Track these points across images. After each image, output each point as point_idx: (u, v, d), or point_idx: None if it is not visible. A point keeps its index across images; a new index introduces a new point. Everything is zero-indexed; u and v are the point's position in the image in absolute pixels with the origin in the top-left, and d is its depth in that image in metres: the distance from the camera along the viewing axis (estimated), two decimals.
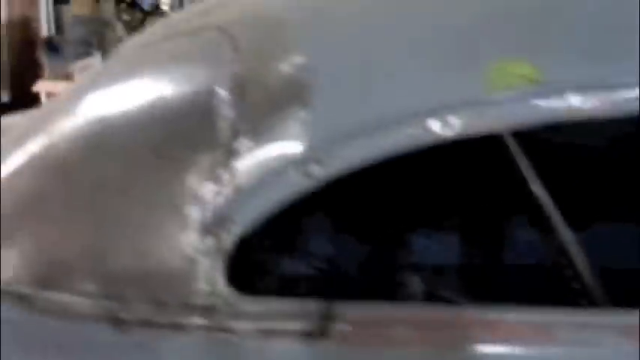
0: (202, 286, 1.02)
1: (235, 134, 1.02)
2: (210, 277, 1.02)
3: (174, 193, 1.04)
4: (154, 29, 1.48)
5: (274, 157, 1.00)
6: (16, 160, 1.21)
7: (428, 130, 0.96)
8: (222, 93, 1.05)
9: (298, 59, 1.03)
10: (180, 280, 1.03)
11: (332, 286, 1.10)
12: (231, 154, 1.02)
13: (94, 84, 1.20)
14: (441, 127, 0.96)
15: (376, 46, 1.04)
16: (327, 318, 0.98)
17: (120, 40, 7.45)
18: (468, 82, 0.96)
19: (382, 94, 1.00)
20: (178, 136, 1.06)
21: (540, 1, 1.03)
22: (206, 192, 1.02)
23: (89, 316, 1.07)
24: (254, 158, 1.01)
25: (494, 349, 0.95)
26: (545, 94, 0.93)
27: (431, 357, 0.95)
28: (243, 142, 1.02)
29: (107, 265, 1.07)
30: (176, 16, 1.55)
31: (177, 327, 1.03)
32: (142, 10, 11.08)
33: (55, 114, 1.21)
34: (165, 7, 11.59)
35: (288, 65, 1.03)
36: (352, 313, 0.98)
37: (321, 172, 0.98)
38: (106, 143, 1.11)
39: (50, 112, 1.27)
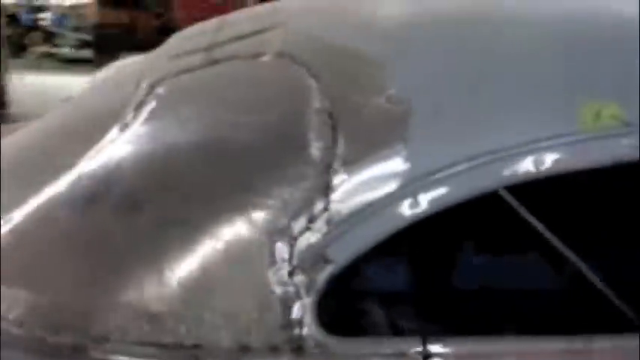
0: (291, 327, 0.97)
1: (329, 168, 0.98)
2: (300, 318, 0.97)
3: (261, 229, 0.98)
4: (170, 50, 1.39)
5: (371, 193, 0.97)
6: (51, 188, 1.08)
7: (522, 168, 0.98)
8: (313, 124, 1.01)
9: (393, 92, 1.02)
10: (267, 322, 0.97)
11: (424, 322, 1.09)
12: (324, 188, 0.98)
13: (149, 109, 1.10)
14: (535, 166, 0.98)
15: (469, 81, 1.06)
16: (426, 356, 0.97)
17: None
18: (563, 122, 0.99)
19: (477, 130, 1.01)
20: (264, 169, 1.00)
21: (623, 43, 1.09)
22: (297, 228, 0.98)
23: None
24: (349, 193, 0.98)
25: None
26: (632, 134, 0.99)
27: None
28: (337, 177, 0.98)
29: (178, 309, 0.98)
30: (191, 37, 1.45)
31: None
32: (21, 25, 10.49)
33: (94, 140, 1.10)
34: (44, 24, 11.03)
35: (383, 98, 1.02)
36: (449, 349, 0.97)
37: (417, 209, 0.97)
38: (177, 175, 1.03)
39: (77, 136, 1.15)
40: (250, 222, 0.99)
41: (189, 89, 1.16)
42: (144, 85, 1.18)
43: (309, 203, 0.98)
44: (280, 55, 1.14)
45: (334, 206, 0.98)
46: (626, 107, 1.00)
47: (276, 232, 0.98)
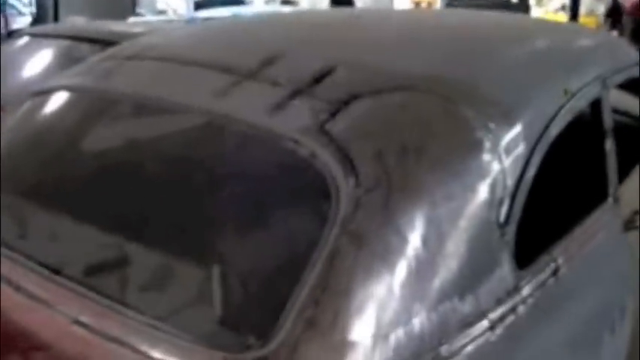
0: (508, 276, 1.35)
1: (499, 155, 1.42)
2: (511, 267, 1.36)
3: (481, 205, 1.35)
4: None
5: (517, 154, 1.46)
6: None
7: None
8: (480, 127, 1.44)
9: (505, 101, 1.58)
10: (498, 276, 1.33)
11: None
12: (502, 169, 1.41)
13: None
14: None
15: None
16: (551, 260, 1.51)
17: None
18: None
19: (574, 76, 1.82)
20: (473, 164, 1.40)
21: None
22: (497, 198, 1.38)
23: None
24: (506, 173, 1.42)
25: None
26: None
27: None
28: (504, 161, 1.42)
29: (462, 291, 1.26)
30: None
31: (504, 317, 1.32)
32: None
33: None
34: None
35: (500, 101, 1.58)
36: (560, 249, 1.55)
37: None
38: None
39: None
40: (475, 205, 1.35)
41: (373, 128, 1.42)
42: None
43: (499, 178, 1.40)
44: (407, 88, 1.51)
45: (509, 180, 1.41)
46: None
47: (493, 207, 1.36)
